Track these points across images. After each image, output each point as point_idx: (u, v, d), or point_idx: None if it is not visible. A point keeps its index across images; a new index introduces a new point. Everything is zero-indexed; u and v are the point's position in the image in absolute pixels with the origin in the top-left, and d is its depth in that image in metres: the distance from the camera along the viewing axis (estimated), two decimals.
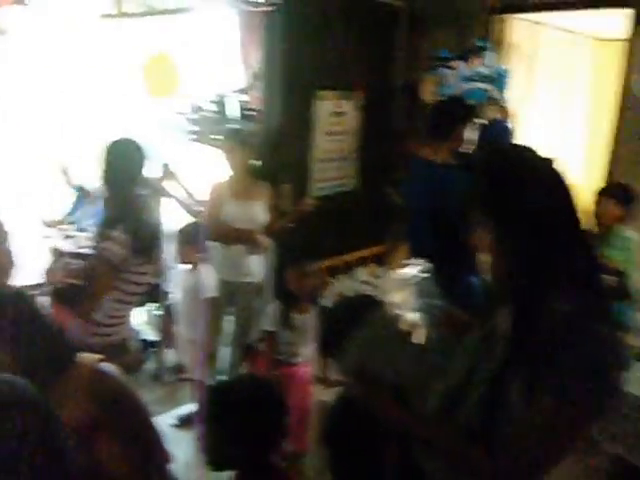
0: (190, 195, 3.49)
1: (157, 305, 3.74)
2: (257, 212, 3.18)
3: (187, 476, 2.48)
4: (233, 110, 3.71)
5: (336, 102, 4.03)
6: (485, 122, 3.20)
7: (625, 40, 3.52)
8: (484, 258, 1.23)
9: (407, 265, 1.50)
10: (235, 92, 3.81)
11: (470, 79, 3.37)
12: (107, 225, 2.27)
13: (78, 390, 1.42)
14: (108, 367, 1.57)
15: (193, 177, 3.70)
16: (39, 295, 2.34)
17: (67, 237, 3.55)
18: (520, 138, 3.66)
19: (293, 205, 3.57)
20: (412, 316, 1.37)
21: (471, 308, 1.48)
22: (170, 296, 3.59)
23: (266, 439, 1.58)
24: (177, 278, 3.33)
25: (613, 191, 3.00)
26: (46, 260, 2.99)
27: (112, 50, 3.94)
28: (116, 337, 2.37)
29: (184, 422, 3.14)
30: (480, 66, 3.52)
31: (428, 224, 2.57)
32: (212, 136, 3.56)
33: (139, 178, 2.39)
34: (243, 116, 3.70)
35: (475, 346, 1.31)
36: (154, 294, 3.44)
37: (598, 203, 2.98)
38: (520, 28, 4.08)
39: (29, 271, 2.50)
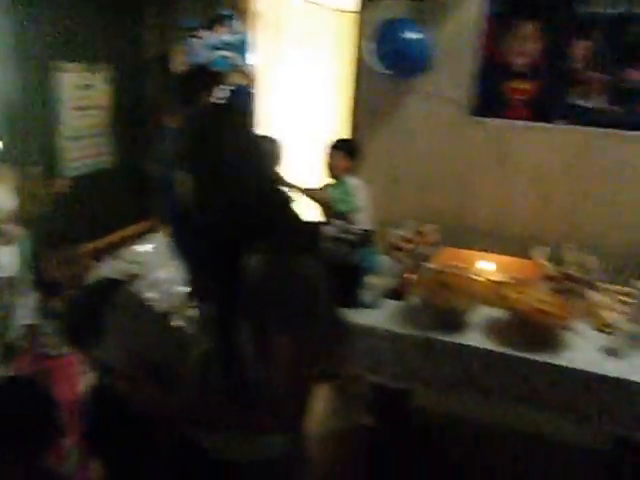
0: None
1: None
2: (0, 198, 2.89)
3: None
4: None
5: (82, 75, 3.79)
6: (231, 88, 3.29)
7: (356, 12, 3.87)
8: None
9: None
10: None
11: (216, 47, 3.42)
12: None
13: None
14: None
15: None
16: None
17: None
18: (264, 103, 3.86)
19: (44, 188, 3.30)
20: (177, 290, 1.39)
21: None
22: None
23: (37, 439, 1.50)
24: None
25: (341, 145, 3.36)
26: None
27: None
28: None
29: None
30: (226, 34, 3.58)
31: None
32: None
33: None
34: None
35: None
36: None
37: (329, 156, 3.34)
38: None
39: None
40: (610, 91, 3.38)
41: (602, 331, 2.39)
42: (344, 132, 4.00)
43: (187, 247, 1.33)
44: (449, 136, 3.73)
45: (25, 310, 2.78)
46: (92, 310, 1.43)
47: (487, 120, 3.64)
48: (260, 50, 3.99)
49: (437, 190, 3.80)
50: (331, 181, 3.40)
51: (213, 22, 3.66)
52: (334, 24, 4.88)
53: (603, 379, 2.11)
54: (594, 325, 2.43)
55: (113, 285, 1.53)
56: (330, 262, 2.37)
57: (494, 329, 2.36)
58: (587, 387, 2.12)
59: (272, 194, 1.32)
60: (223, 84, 2.96)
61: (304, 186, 3.35)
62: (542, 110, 3.53)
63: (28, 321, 2.75)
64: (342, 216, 3.03)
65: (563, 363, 2.17)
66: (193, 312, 1.42)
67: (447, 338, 2.30)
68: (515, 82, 3.56)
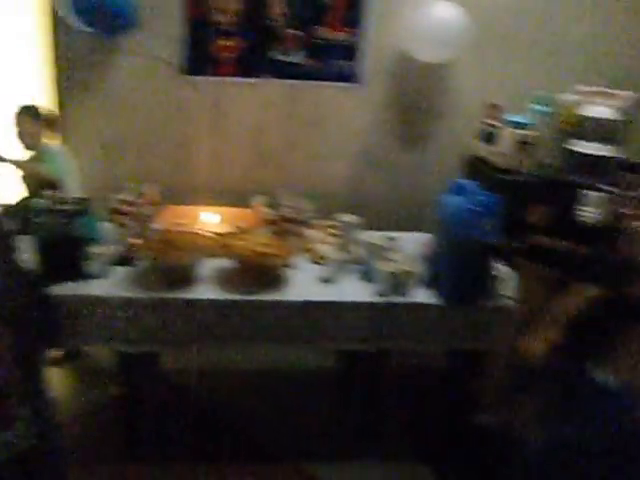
0: None
1: None
2: None
3: None
4: None
5: None
6: None
7: None
8: None
9: None
10: None
11: None
12: None
13: None
14: None
15: None
16: None
17: None
18: None
19: None
20: None
21: None
22: None
23: None
24: None
25: (26, 110, 3.13)
26: None
27: None
28: None
29: None
30: None
31: None
32: None
33: None
34: None
35: None
36: None
37: (17, 123, 3.10)
38: None
39: None
40: (306, 47, 3.68)
41: (318, 263, 2.67)
42: (48, 98, 3.64)
43: None
44: (163, 96, 3.67)
45: None
46: None
47: (199, 78, 3.67)
48: None
49: (155, 151, 3.75)
50: (30, 152, 3.16)
51: None
52: None
53: (320, 304, 2.38)
54: (311, 259, 2.71)
55: None
56: (48, 235, 2.23)
57: (223, 279, 2.47)
58: (307, 314, 2.38)
59: None
60: None
61: (11, 158, 3.04)
62: (248, 66, 3.68)
63: None
64: (52, 187, 2.82)
65: (285, 298, 2.39)
66: None
67: (179, 295, 2.34)
68: (222, 40, 3.64)
